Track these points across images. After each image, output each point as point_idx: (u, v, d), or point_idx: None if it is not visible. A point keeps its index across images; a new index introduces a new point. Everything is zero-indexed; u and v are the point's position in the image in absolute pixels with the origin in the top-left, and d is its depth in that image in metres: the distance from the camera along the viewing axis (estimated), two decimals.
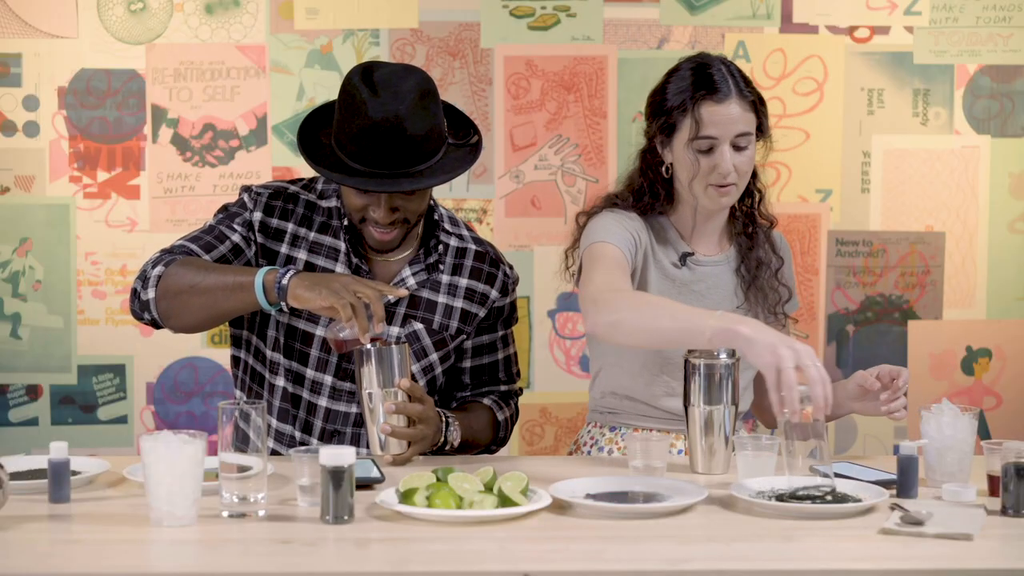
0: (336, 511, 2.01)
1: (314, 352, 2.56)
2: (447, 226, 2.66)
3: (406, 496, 2.06)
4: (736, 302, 2.65)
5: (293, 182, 2.63)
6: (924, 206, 3.77)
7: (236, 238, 2.54)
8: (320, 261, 2.56)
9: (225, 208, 2.61)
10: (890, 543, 1.96)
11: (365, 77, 2.43)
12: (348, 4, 3.67)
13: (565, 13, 3.70)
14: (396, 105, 2.40)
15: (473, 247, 2.67)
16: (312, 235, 2.57)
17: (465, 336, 2.66)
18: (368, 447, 2.46)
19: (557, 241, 3.72)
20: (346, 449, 2.03)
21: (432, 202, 2.64)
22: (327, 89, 3.65)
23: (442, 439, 2.50)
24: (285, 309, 2.46)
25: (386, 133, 2.40)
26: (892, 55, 3.74)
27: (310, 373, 2.57)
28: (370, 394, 2.39)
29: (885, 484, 2.23)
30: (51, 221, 3.66)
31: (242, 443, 2.06)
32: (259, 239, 2.56)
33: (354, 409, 2.57)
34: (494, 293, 2.67)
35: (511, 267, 2.73)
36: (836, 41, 3.73)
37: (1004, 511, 2.11)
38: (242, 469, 2.06)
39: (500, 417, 2.70)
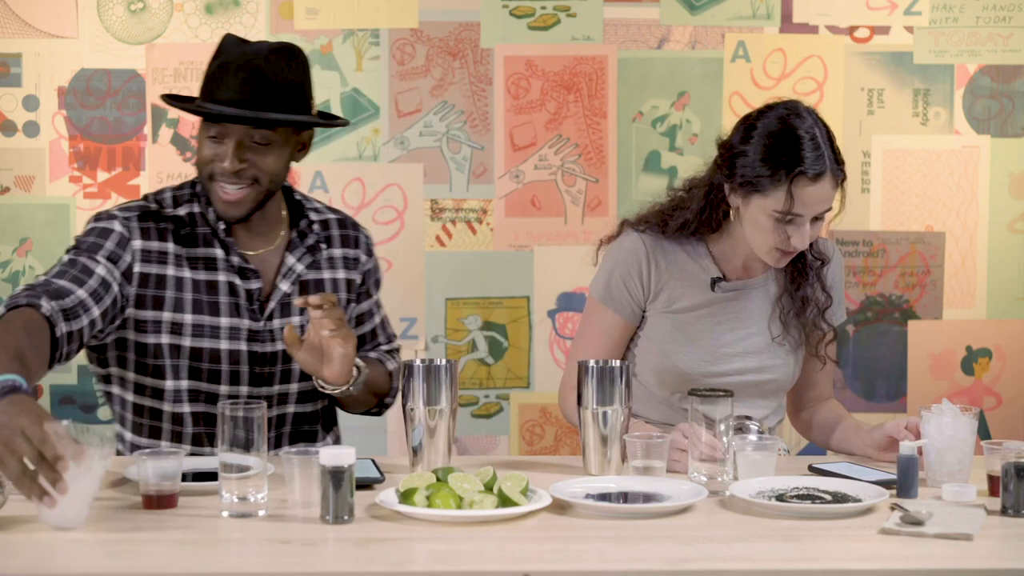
0: (336, 511, 2.01)
1: (225, 367, 2.53)
2: (304, 203, 2.67)
3: (406, 496, 2.06)
4: (772, 332, 2.63)
5: (145, 199, 2.58)
6: (924, 206, 3.77)
7: (101, 271, 2.44)
8: (202, 275, 2.53)
9: (79, 243, 2.50)
10: (890, 543, 1.96)
11: (237, 37, 2.51)
12: (348, 4, 3.67)
13: (565, 13, 3.70)
14: (254, 49, 2.46)
15: (332, 216, 2.71)
16: (185, 250, 2.54)
17: (353, 305, 2.69)
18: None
19: (557, 241, 3.73)
20: (346, 449, 2.03)
21: (286, 183, 2.64)
22: (327, 89, 3.65)
23: (355, 367, 2.47)
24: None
25: (237, 69, 2.43)
26: (892, 55, 3.73)
27: (224, 389, 2.54)
28: (412, 408, 2.33)
29: (885, 484, 2.23)
30: (51, 221, 3.66)
31: (242, 443, 2.06)
32: (140, 268, 2.49)
33: (289, 410, 2.58)
34: (363, 256, 2.72)
35: (367, 233, 2.77)
36: (836, 41, 3.73)
37: (1004, 511, 2.11)
38: (242, 469, 2.06)
39: (390, 367, 2.72)
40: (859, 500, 2.14)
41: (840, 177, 2.51)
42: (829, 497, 2.15)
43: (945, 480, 2.29)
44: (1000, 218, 3.77)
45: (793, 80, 3.71)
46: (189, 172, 3.67)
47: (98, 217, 2.55)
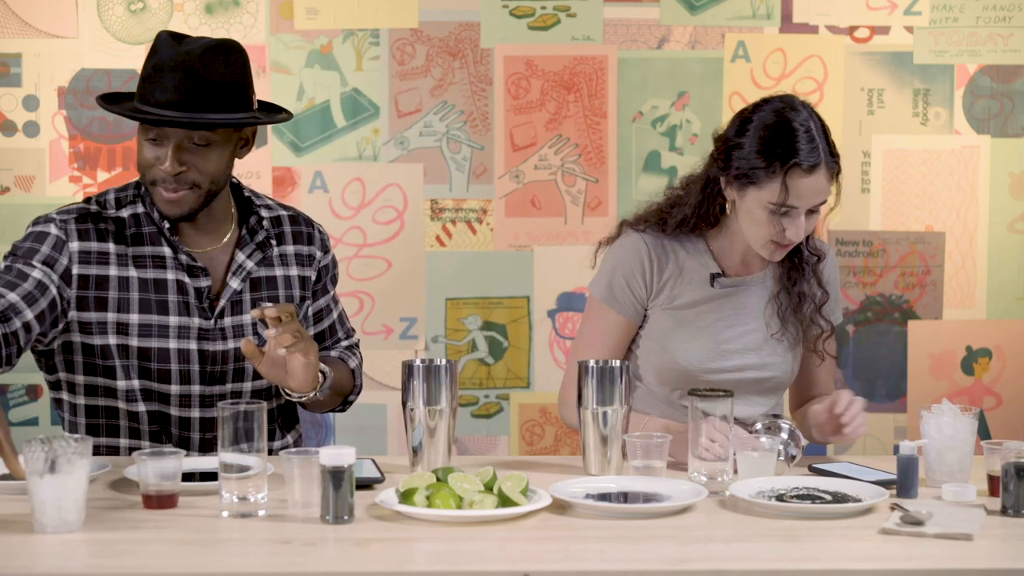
0: (336, 511, 2.01)
1: (175, 366, 2.52)
2: (255, 200, 2.65)
3: (406, 496, 2.06)
4: (771, 328, 2.64)
5: (87, 201, 2.57)
6: (924, 206, 3.77)
7: (37, 274, 2.43)
8: (149, 274, 2.52)
9: (15, 250, 2.49)
10: (890, 543, 1.96)
11: (172, 35, 2.47)
12: (348, 4, 3.67)
13: (565, 13, 3.70)
14: (188, 48, 2.43)
15: (284, 213, 2.69)
16: (131, 249, 2.52)
17: (309, 302, 2.68)
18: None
19: (557, 241, 3.73)
20: (346, 449, 2.03)
21: (236, 180, 2.63)
22: (327, 89, 3.65)
23: (320, 373, 2.47)
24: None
25: (172, 69, 2.41)
26: (892, 55, 3.73)
27: (175, 388, 2.52)
28: (412, 408, 2.33)
29: (885, 484, 2.23)
30: None
31: (242, 443, 2.07)
32: (79, 270, 2.48)
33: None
34: (318, 253, 2.70)
35: (322, 229, 2.75)
36: (836, 41, 3.73)
37: (1004, 511, 2.11)
38: (242, 469, 2.06)
39: (352, 364, 2.72)
40: (859, 500, 2.14)
41: (835, 169, 2.52)
42: (829, 497, 2.15)
43: (945, 480, 2.29)
44: (1000, 218, 3.77)
45: (793, 80, 3.71)
46: None
47: (35, 222, 2.55)
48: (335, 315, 2.76)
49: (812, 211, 2.52)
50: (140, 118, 2.43)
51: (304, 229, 2.69)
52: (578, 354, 2.63)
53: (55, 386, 2.61)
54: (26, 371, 3.68)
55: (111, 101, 2.55)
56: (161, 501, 2.09)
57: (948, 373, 3.79)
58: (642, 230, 2.66)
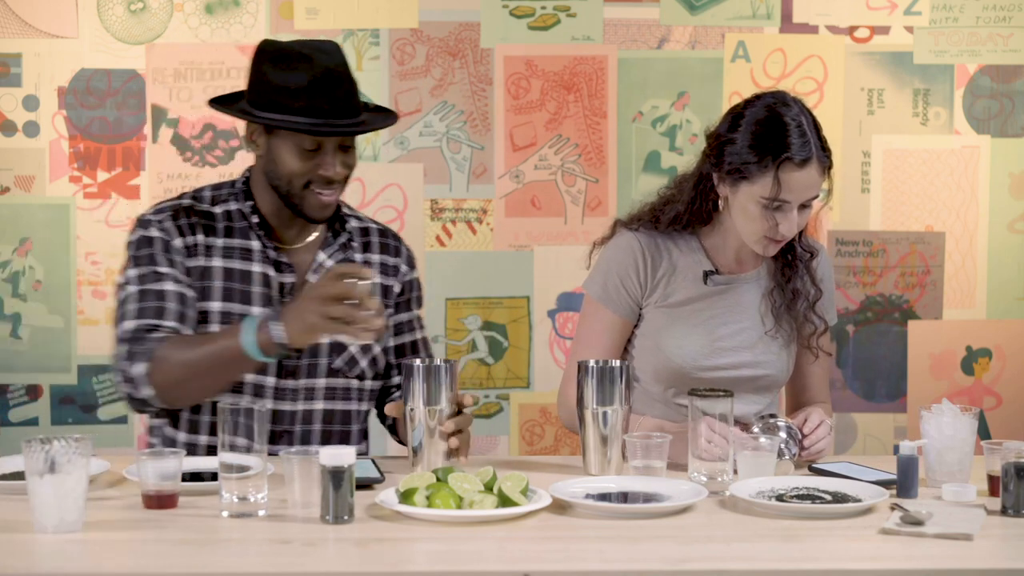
0: (336, 511, 2.01)
1: None
2: (345, 210, 2.69)
3: (406, 496, 2.06)
4: (765, 326, 2.64)
5: (179, 198, 2.61)
6: (924, 206, 3.77)
7: (170, 286, 2.49)
8: (236, 264, 2.55)
9: (137, 259, 2.53)
10: (890, 543, 1.96)
11: (286, 43, 2.51)
12: (348, 4, 3.67)
13: (565, 13, 3.70)
14: (335, 58, 2.48)
15: (374, 226, 2.73)
16: (220, 241, 2.56)
17: (390, 310, 2.68)
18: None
19: (557, 241, 3.73)
20: (346, 449, 2.03)
21: None
22: None
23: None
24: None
25: (340, 77, 2.47)
26: (892, 55, 3.73)
27: (250, 378, 2.53)
28: (412, 408, 2.34)
29: (885, 484, 2.23)
30: (51, 221, 3.66)
31: (242, 443, 2.07)
32: (189, 264, 2.53)
33: (300, 406, 2.57)
34: (403, 266, 2.72)
35: (409, 246, 2.79)
36: (836, 41, 3.73)
37: (1004, 511, 2.11)
38: (242, 469, 2.06)
39: None
40: (859, 500, 2.14)
41: (826, 164, 2.52)
42: (829, 497, 2.15)
43: (945, 480, 2.29)
44: (1000, 218, 3.78)
45: (793, 80, 3.71)
46: (189, 172, 3.67)
47: (135, 226, 2.57)
48: (418, 336, 2.75)
49: (804, 206, 2.52)
50: (322, 132, 2.45)
51: (392, 242, 2.73)
52: (576, 355, 2.63)
53: None
54: (26, 371, 3.69)
55: (222, 103, 2.59)
56: (161, 501, 2.09)
57: (948, 373, 3.79)
58: (635, 229, 2.66)
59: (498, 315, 3.73)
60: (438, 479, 2.11)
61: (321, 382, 2.59)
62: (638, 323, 2.67)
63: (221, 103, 2.58)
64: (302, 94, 2.44)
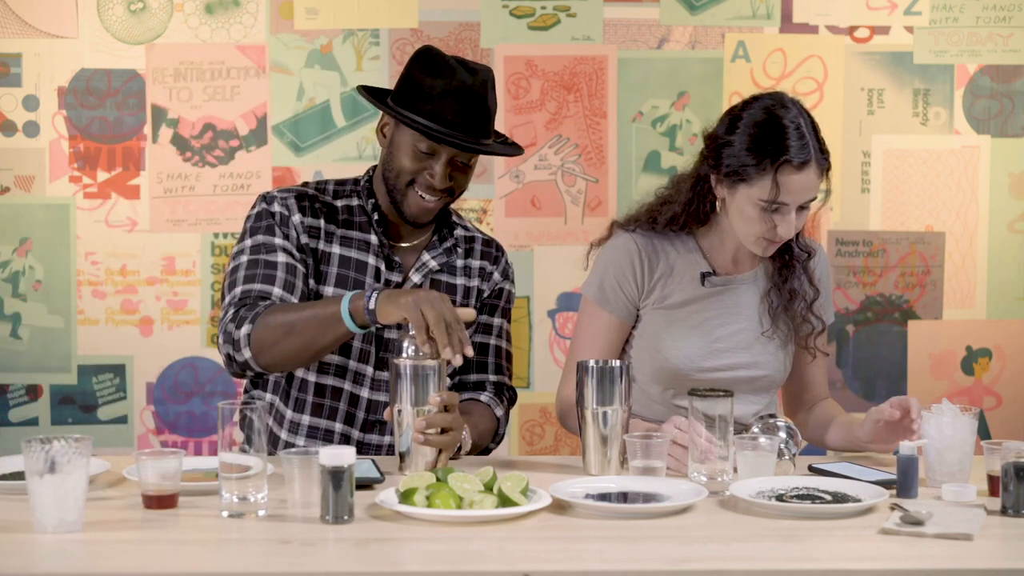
0: (336, 511, 2.01)
1: (356, 344, 2.61)
2: (455, 218, 2.76)
3: (406, 496, 2.06)
4: (762, 326, 2.64)
5: (304, 185, 2.70)
6: (924, 206, 3.78)
7: (282, 257, 2.57)
8: (353, 253, 2.63)
9: (254, 229, 2.61)
10: (890, 543, 1.96)
11: (444, 54, 2.60)
12: (348, 4, 3.67)
13: (565, 13, 3.70)
14: (480, 76, 2.57)
15: (480, 236, 2.80)
16: (340, 231, 2.64)
17: (475, 307, 2.71)
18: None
19: (557, 241, 3.73)
20: (346, 449, 2.03)
21: None
22: (327, 89, 3.65)
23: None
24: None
25: (475, 97, 2.53)
26: (892, 55, 3.74)
27: (353, 364, 2.62)
28: (400, 410, 2.33)
29: (885, 484, 2.23)
30: (51, 221, 3.66)
31: (242, 443, 2.07)
32: (305, 240, 2.60)
33: None
34: (497, 274, 2.76)
35: (510, 262, 2.83)
36: (836, 41, 3.73)
37: (1004, 511, 2.11)
38: (242, 469, 2.06)
39: (499, 413, 2.72)
40: (859, 500, 2.14)
41: (824, 166, 2.52)
42: (829, 497, 2.15)
43: (945, 480, 2.29)
44: (1000, 218, 3.78)
45: (793, 80, 3.71)
46: (189, 172, 3.67)
47: (257, 201, 2.64)
48: (492, 342, 2.74)
49: (803, 207, 2.52)
50: (444, 138, 2.52)
51: (494, 252, 2.78)
52: (574, 356, 2.63)
53: None
54: (26, 371, 3.69)
55: (372, 95, 2.66)
56: (161, 501, 2.10)
57: (948, 373, 3.79)
58: (632, 230, 2.66)
59: None
60: (438, 479, 2.11)
61: None
62: (636, 324, 2.67)
63: (371, 93, 2.66)
64: (433, 99, 2.53)
